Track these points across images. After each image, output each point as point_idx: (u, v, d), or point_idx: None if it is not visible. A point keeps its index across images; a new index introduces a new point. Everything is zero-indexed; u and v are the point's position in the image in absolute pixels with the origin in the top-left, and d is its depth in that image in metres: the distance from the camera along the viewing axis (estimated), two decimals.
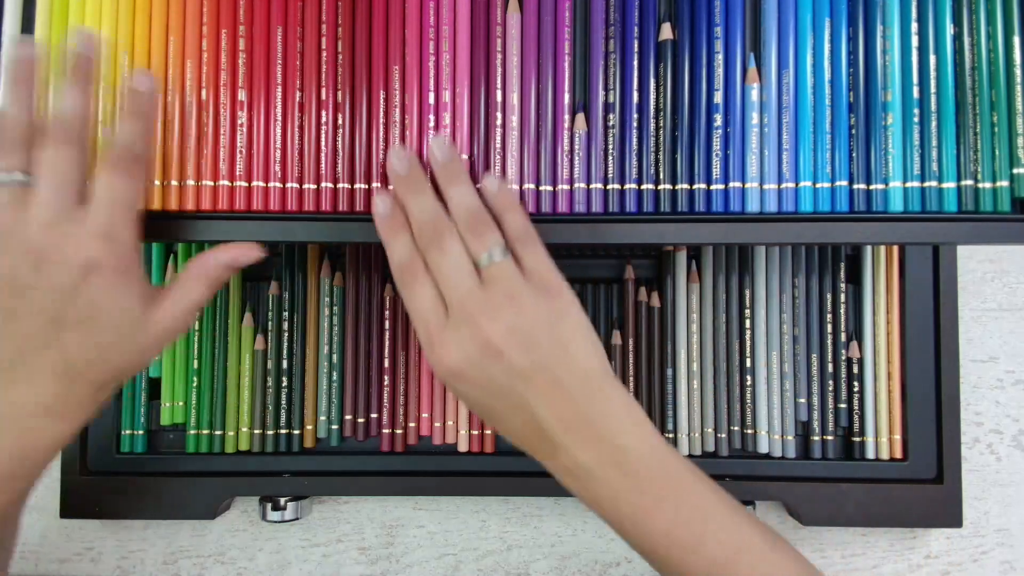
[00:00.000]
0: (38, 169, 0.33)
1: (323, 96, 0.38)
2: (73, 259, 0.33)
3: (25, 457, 0.34)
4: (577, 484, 0.34)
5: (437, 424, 0.49)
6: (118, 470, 0.49)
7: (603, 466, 0.33)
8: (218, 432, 0.49)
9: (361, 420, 0.49)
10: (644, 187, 0.38)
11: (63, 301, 0.33)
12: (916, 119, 0.37)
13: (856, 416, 0.49)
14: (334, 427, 0.49)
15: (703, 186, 0.37)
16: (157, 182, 0.37)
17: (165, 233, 0.37)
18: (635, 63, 0.38)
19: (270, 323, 0.50)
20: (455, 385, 0.35)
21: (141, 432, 0.49)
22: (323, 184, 0.38)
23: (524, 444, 0.36)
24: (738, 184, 0.37)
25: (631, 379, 0.49)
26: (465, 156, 0.38)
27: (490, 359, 0.33)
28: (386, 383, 0.49)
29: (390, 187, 0.37)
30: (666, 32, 0.38)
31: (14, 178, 0.33)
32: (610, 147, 0.38)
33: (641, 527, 0.34)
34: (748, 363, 0.49)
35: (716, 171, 0.37)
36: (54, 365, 0.34)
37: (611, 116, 0.38)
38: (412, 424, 0.49)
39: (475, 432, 0.49)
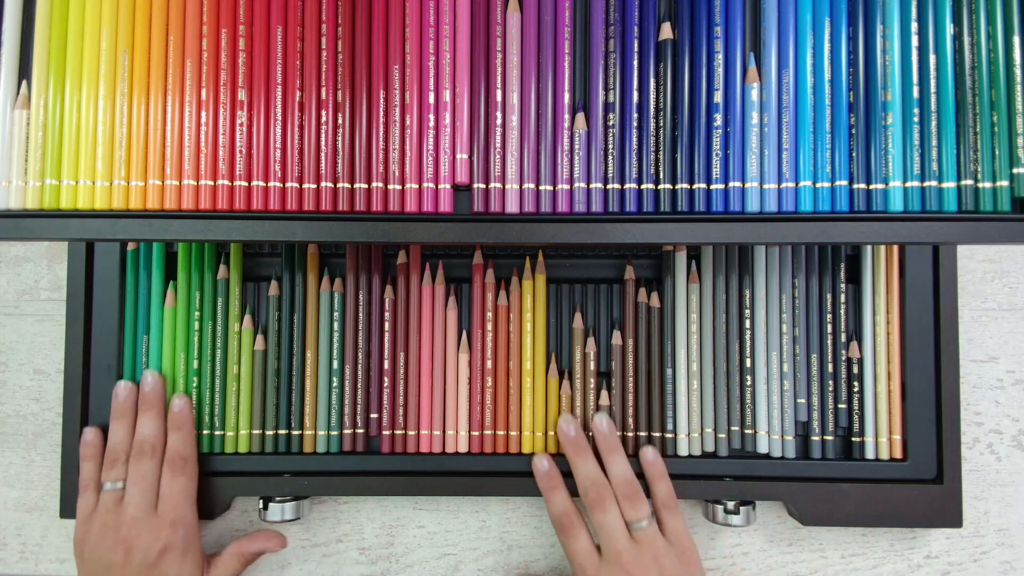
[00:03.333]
0: (128, 477, 0.46)
1: (323, 96, 0.38)
2: (152, 545, 0.44)
3: None
4: None
5: (437, 432, 0.49)
6: None
7: None
8: (218, 432, 0.49)
9: (360, 430, 0.49)
10: (644, 187, 0.38)
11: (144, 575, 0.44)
12: (916, 119, 0.37)
13: (856, 416, 0.49)
14: (334, 433, 0.49)
15: (703, 186, 0.37)
16: (157, 182, 0.37)
17: (165, 233, 0.37)
18: (635, 63, 0.38)
19: (270, 324, 0.50)
20: None
21: None
22: (323, 184, 0.38)
23: None
24: (738, 184, 0.37)
25: (631, 379, 0.49)
26: (465, 155, 0.38)
27: None
28: (386, 384, 0.49)
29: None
30: (666, 32, 0.38)
31: (116, 487, 0.46)
32: (610, 147, 0.38)
33: None
34: (748, 363, 0.49)
35: (716, 171, 0.37)
36: None
37: (611, 116, 0.38)
38: (412, 432, 0.49)
39: (475, 433, 0.49)
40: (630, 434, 0.49)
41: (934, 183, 0.37)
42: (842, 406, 0.49)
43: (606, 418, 0.47)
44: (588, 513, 0.44)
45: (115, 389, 0.48)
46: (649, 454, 0.47)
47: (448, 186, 0.38)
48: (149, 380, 0.48)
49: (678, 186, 0.37)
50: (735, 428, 0.49)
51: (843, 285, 0.49)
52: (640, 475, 0.47)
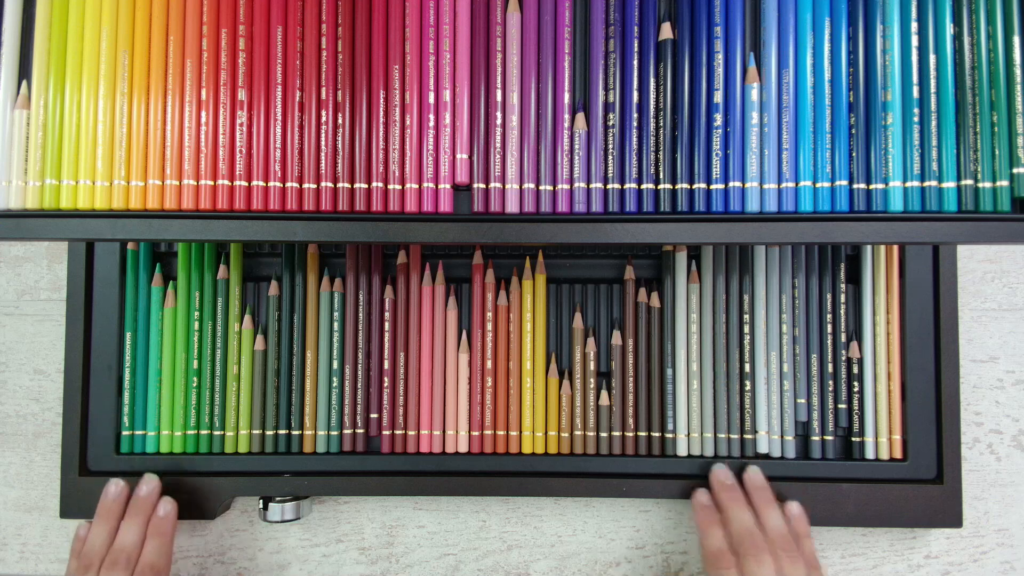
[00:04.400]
0: None
1: (323, 96, 0.38)
2: None
3: None
4: None
5: (437, 432, 0.49)
6: (118, 470, 0.49)
7: None
8: (218, 432, 0.49)
9: (360, 430, 0.49)
10: (644, 187, 0.38)
11: None
12: (916, 119, 0.37)
13: (856, 416, 0.49)
14: (334, 433, 0.49)
15: (703, 186, 0.37)
16: (157, 182, 0.37)
17: (165, 233, 0.37)
18: (635, 63, 0.38)
19: (270, 324, 0.50)
20: None
21: (141, 432, 0.49)
22: (323, 184, 0.38)
23: None
24: (738, 184, 0.37)
25: (631, 379, 0.49)
26: (465, 155, 0.38)
27: None
28: (386, 384, 0.49)
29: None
30: (666, 32, 0.38)
31: None
32: (610, 147, 0.38)
33: None
34: (748, 363, 0.49)
35: (716, 171, 0.37)
36: None
37: (611, 116, 0.38)
38: (412, 433, 0.49)
39: (475, 433, 0.49)
40: (630, 434, 0.49)
41: (934, 183, 0.37)
42: (842, 406, 0.49)
43: (757, 471, 0.48)
44: (740, 561, 0.44)
45: (107, 486, 0.47)
46: (795, 509, 0.47)
47: (448, 186, 0.38)
48: (147, 486, 0.47)
49: (678, 186, 0.37)
50: (735, 428, 0.49)
51: (843, 285, 0.49)
52: None
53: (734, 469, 0.48)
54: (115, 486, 0.47)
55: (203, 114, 0.37)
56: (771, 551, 0.44)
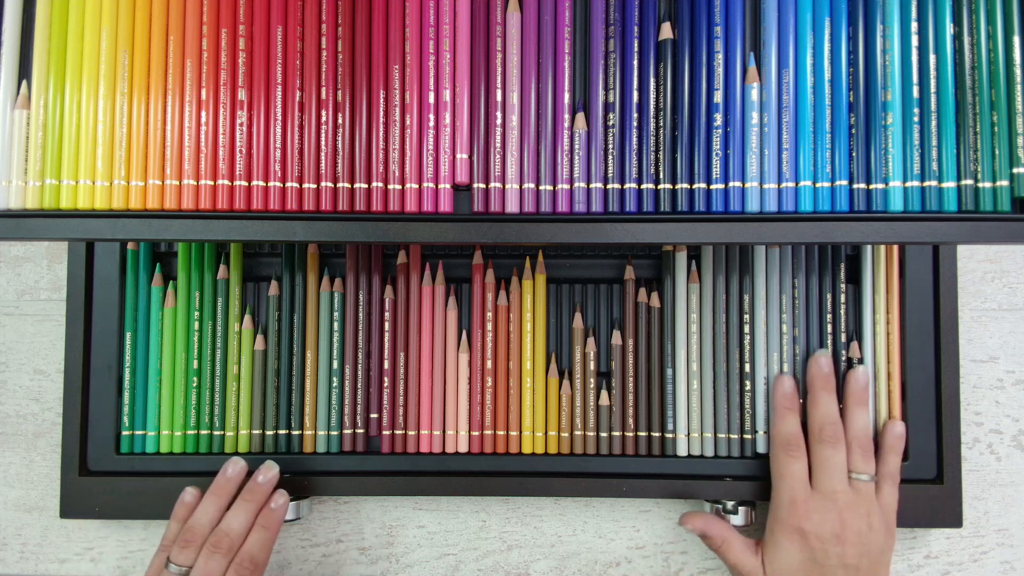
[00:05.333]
0: (195, 568, 0.43)
1: (323, 96, 0.38)
2: None
3: None
4: None
5: (437, 432, 0.49)
6: (118, 470, 0.49)
7: None
8: (218, 432, 0.49)
9: (360, 430, 0.49)
10: (644, 187, 0.38)
11: None
12: (916, 119, 0.37)
13: None
14: (334, 433, 0.49)
15: (703, 186, 0.37)
16: (157, 182, 0.37)
17: (165, 233, 0.37)
18: (635, 63, 0.38)
19: (270, 324, 0.50)
20: (791, 537, 0.44)
21: (141, 432, 0.49)
22: (323, 184, 0.38)
23: None
24: (738, 184, 0.37)
25: (631, 379, 0.49)
26: (465, 155, 0.38)
27: (834, 542, 0.44)
28: (386, 384, 0.49)
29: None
30: (666, 32, 0.38)
31: (180, 571, 0.43)
32: (610, 147, 0.38)
33: None
34: (748, 363, 0.49)
35: (716, 171, 0.37)
36: None
37: (611, 116, 0.38)
38: (412, 433, 0.49)
39: (475, 433, 0.49)
40: (630, 434, 0.49)
41: (934, 183, 0.37)
42: (842, 406, 0.49)
43: (865, 372, 0.47)
44: (814, 446, 0.45)
45: (228, 462, 0.47)
46: (898, 428, 0.47)
47: (448, 186, 0.38)
48: (265, 474, 0.46)
49: (678, 186, 0.37)
50: (735, 428, 0.49)
51: (843, 285, 0.49)
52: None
53: (839, 366, 0.48)
54: (235, 465, 0.47)
55: (203, 114, 0.37)
56: (848, 446, 0.45)
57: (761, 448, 0.49)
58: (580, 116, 0.38)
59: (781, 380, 0.47)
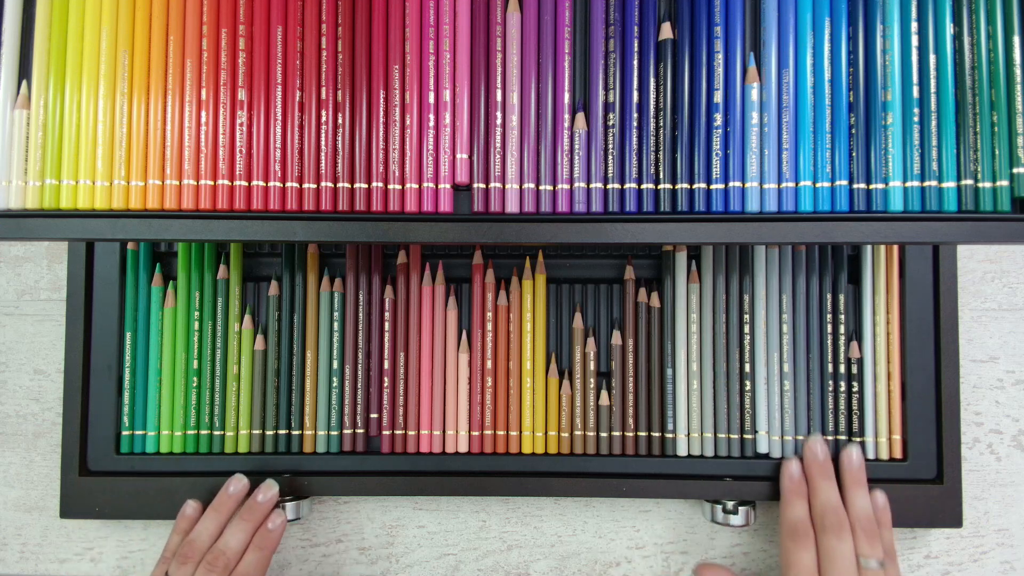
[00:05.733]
0: None
1: (323, 96, 0.38)
2: None
3: None
4: None
5: (437, 432, 0.49)
6: (118, 470, 0.49)
7: None
8: (218, 432, 0.49)
9: (360, 430, 0.49)
10: (644, 187, 0.38)
11: None
12: (916, 119, 0.37)
13: (856, 416, 0.49)
14: (334, 433, 0.49)
15: (703, 186, 0.37)
16: (157, 182, 0.37)
17: (165, 233, 0.37)
18: (635, 63, 0.38)
19: (270, 324, 0.50)
20: None
21: (141, 432, 0.49)
22: (323, 184, 0.38)
23: None
24: (738, 184, 0.37)
25: (631, 379, 0.49)
26: (465, 155, 0.38)
27: None
28: (386, 384, 0.49)
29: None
30: (666, 32, 0.38)
31: None
32: (610, 146, 0.38)
33: None
34: (748, 363, 0.49)
35: (716, 171, 0.37)
36: None
37: (611, 115, 0.38)
38: (412, 433, 0.49)
39: (475, 433, 0.49)
40: (630, 434, 0.49)
41: (934, 183, 0.37)
42: (842, 406, 0.49)
43: (858, 451, 0.47)
44: (819, 535, 0.45)
45: (231, 479, 0.47)
46: (880, 499, 0.47)
47: (448, 186, 0.38)
48: (265, 493, 0.47)
49: (678, 186, 0.37)
50: (735, 428, 0.49)
51: (843, 285, 0.49)
52: None
53: (831, 446, 0.48)
54: (237, 483, 0.47)
55: (203, 114, 0.37)
56: (853, 531, 0.45)
57: (761, 448, 0.49)
58: (580, 116, 0.38)
59: (788, 465, 0.47)
